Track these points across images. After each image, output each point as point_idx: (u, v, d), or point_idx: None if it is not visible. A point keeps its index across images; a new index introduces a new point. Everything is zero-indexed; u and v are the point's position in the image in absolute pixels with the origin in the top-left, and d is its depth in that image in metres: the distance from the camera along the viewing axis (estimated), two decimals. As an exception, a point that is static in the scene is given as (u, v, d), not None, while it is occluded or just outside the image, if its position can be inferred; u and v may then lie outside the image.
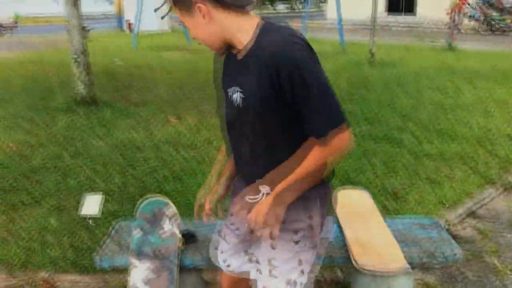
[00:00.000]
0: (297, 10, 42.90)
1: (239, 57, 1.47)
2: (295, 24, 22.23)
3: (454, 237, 3.26)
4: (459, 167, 4.28)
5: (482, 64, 9.91)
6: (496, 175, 4.14)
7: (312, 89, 1.35)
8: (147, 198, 2.32)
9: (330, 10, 26.40)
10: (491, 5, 18.90)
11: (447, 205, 3.61)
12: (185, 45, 14.74)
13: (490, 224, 3.43)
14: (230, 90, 1.50)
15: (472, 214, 3.59)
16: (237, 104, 1.47)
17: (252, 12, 1.47)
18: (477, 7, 19.32)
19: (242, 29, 1.43)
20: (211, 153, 4.58)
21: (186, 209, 3.46)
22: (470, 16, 19.53)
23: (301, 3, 44.79)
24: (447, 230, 3.27)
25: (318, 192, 1.56)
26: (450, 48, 12.42)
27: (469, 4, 18.82)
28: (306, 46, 1.39)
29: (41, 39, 17.48)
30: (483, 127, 5.39)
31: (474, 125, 5.42)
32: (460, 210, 3.58)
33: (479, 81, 8.01)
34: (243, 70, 1.45)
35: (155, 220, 2.26)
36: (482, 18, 18.73)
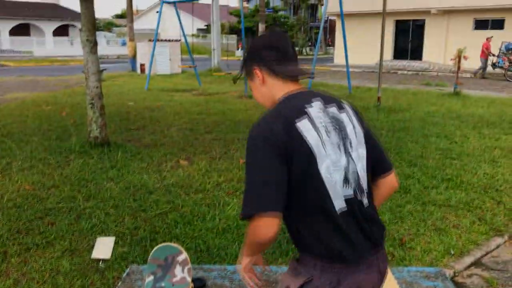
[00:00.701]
0: (305, 54, 43.82)
1: None
2: (306, 67, 22.66)
3: (461, 287, 3.28)
4: (465, 216, 4.32)
5: (488, 111, 10.03)
6: (502, 224, 4.17)
7: (245, 172, 1.50)
8: (160, 245, 2.39)
9: (338, 55, 27.03)
10: None
11: (453, 254, 3.63)
12: (196, 86, 15.10)
13: (497, 274, 3.45)
14: None
15: (479, 263, 3.61)
16: None
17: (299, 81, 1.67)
18: (501, 54, 19.85)
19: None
20: (221, 196, 4.67)
21: (195, 254, 3.53)
22: (494, 64, 19.96)
23: (309, 46, 45.78)
24: (452, 280, 3.30)
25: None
26: (456, 93, 12.61)
27: (492, 54, 19.27)
28: (270, 135, 1.47)
29: (55, 79, 17.97)
30: (490, 175, 5.45)
31: (480, 173, 5.48)
32: (467, 260, 3.60)
33: (486, 128, 8.11)
34: None
35: (166, 265, 2.32)
36: (507, 63, 19.16)
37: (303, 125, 1.49)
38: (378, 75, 10.91)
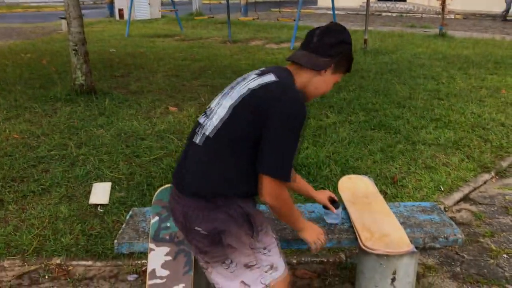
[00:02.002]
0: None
1: None
2: (288, 10, 22.20)
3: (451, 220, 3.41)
4: (454, 154, 4.43)
5: (473, 51, 10.06)
6: (489, 161, 4.30)
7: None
8: (163, 186, 2.41)
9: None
10: None
11: (443, 191, 3.75)
12: (178, 32, 14.71)
13: (485, 208, 3.59)
14: None
15: (467, 198, 3.74)
16: None
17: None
18: None
19: None
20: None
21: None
22: None
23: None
24: (445, 214, 3.42)
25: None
26: (442, 35, 12.56)
27: None
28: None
29: (31, 26, 17.30)
30: (476, 114, 5.54)
31: (467, 113, 5.57)
32: (456, 195, 3.73)
33: (471, 69, 8.16)
34: None
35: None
36: None
37: None
38: (362, 18, 10.77)
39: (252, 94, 1.69)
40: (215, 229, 1.70)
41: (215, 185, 1.69)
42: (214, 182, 1.69)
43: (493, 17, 18.92)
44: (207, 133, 1.70)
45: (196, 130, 1.78)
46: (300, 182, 2.26)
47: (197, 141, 1.73)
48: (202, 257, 1.79)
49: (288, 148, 1.63)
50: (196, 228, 1.71)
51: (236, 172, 1.69)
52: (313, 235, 1.96)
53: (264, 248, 1.81)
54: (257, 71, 1.82)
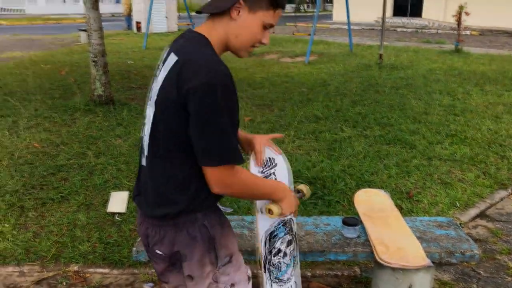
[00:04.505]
0: (303, 11, 43.02)
1: None
2: (303, 25, 22.35)
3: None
4: (470, 170, 4.41)
5: (490, 68, 10.01)
6: (506, 178, 4.27)
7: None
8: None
9: (336, 12, 26.57)
10: None
11: (459, 206, 3.73)
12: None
13: (502, 225, 3.56)
14: None
15: (483, 215, 3.72)
16: None
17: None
18: None
19: None
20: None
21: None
22: None
23: (306, 3, 44.92)
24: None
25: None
26: (457, 51, 12.53)
27: None
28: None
29: (50, 37, 17.65)
30: (493, 130, 5.51)
31: (484, 129, 5.54)
32: (472, 212, 3.71)
33: (488, 85, 8.12)
34: None
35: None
36: None
37: None
38: (377, 33, 10.80)
39: (163, 90, 1.41)
40: (176, 253, 1.49)
41: (170, 201, 1.46)
42: (168, 198, 1.47)
43: (510, 33, 18.82)
44: (145, 153, 1.51)
45: (140, 150, 1.58)
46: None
47: (142, 162, 1.55)
48: (164, 282, 1.62)
49: (219, 126, 1.34)
50: (156, 250, 1.52)
51: (185, 181, 1.45)
52: (292, 206, 1.68)
53: (232, 286, 1.56)
54: (163, 57, 1.50)
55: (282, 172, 1.86)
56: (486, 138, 5.23)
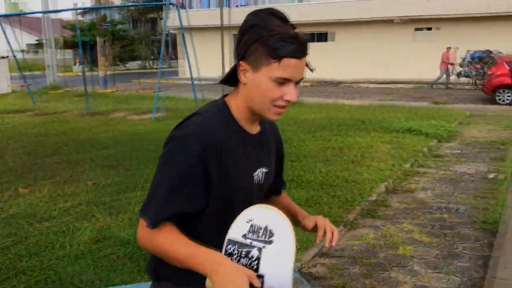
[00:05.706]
0: (148, 67, 43.33)
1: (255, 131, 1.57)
2: (149, 81, 22.40)
3: (309, 275, 3.65)
4: (306, 211, 4.77)
5: (320, 116, 11.17)
6: (337, 215, 4.73)
7: None
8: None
9: (182, 69, 27.34)
10: (481, 60, 19.30)
11: (299, 248, 4.01)
12: (31, 107, 13.89)
13: (336, 260, 3.91)
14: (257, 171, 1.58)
15: (321, 253, 4.05)
16: (260, 182, 1.60)
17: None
18: (465, 64, 20.72)
19: None
20: (70, 222, 4.43)
21: (45, 286, 3.30)
22: (459, 74, 20.82)
23: (151, 60, 45.38)
24: (300, 271, 3.66)
25: None
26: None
27: (451, 63, 19.92)
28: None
29: None
30: (324, 172, 6.10)
31: (316, 172, 6.11)
32: (312, 251, 4.01)
33: (319, 131, 9.02)
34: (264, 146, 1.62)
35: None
36: (474, 73, 19.41)
37: None
38: (221, 88, 11.34)
39: None
40: None
41: (151, 266, 1.56)
42: (150, 262, 1.56)
43: (334, 83, 21.33)
44: None
45: None
46: (283, 203, 1.84)
47: None
48: None
49: (159, 185, 1.37)
50: None
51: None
52: (228, 284, 1.23)
53: None
54: None
55: (277, 254, 1.35)
56: (318, 180, 5.76)
